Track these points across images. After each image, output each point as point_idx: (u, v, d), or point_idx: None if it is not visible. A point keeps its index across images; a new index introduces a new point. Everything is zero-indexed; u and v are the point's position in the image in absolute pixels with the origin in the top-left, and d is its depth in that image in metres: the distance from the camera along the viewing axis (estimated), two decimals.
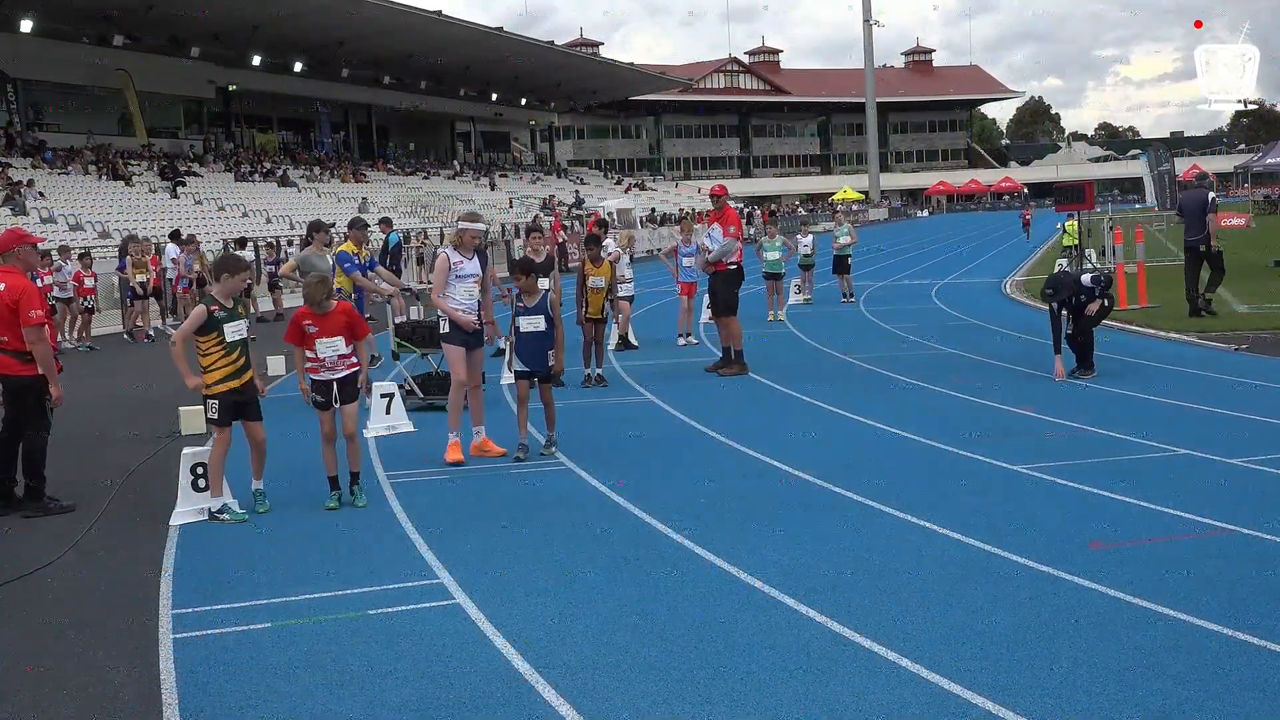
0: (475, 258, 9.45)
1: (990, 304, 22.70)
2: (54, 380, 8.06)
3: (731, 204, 14.88)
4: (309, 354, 7.94)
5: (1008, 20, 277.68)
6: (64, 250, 21.92)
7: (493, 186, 63.23)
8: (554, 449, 9.32)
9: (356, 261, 12.89)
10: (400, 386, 11.43)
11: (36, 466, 8.15)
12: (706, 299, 20.34)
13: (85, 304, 20.66)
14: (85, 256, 21.88)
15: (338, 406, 7.95)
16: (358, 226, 13.52)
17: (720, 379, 13.41)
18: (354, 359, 8.02)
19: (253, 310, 24.86)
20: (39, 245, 9.41)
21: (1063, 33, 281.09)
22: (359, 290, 12.86)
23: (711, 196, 14.28)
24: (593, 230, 16.41)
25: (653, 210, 67.37)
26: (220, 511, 7.63)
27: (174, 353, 7.63)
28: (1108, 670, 4.63)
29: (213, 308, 7.66)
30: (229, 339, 7.63)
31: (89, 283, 20.76)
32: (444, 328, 9.38)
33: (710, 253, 13.75)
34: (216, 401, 7.64)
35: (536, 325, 9.08)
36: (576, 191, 69.08)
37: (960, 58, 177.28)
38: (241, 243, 26.20)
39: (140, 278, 21.80)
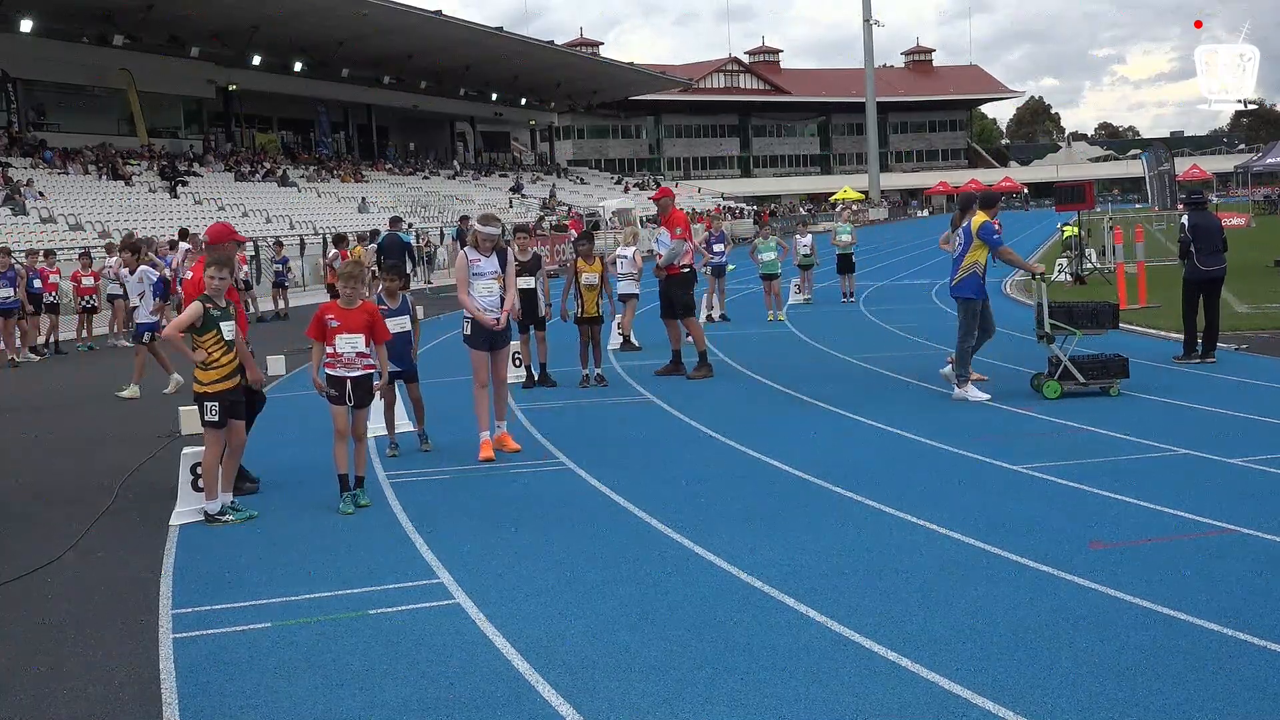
0: (494, 256, 9.63)
1: (990, 304, 22.66)
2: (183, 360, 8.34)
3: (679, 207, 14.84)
4: (328, 349, 7.95)
5: (1003, 20, 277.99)
6: (110, 247, 22.00)
7: (520, 191, 62.95)
8: (429, 444, 9.75)
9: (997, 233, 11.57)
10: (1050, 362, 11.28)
11: None
12: (704, 299, 20.49)
13: (85, 303, 20.68)
14: (84, 256, 21.93)
15: (350, 405, 7.95)
16: (994, 204, 12.23)
17: (718, 379, 13.40)
18: (371, 360, 8.03)
19: (252, 310, 24.90)
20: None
21: (1059, 32, 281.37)
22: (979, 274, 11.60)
23: (654, 200, 14.18)
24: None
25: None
26: (221, 514, 7.59)
27: (173, 339, 7.67)
28: (1108, 670, 4.63)
29: (208, 305, 7.62)
30: (226, 337, 7.62)
31: (87, 282, 20.79)
32: (466, 329, 9.61)
33: (660, 257, 13.70)
34: (217, 403, 7.59)
35: (403, 325, 9.63)
36: (514, 174, 68.31)
37: (956, 57, 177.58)
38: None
39: None
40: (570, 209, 58.79)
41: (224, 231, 8.66)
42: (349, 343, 7.90)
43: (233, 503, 7.74)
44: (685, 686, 4.64)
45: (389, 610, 5.71)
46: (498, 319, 9.49)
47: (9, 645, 5.47)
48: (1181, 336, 13.53)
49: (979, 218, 11.46)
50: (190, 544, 7.10)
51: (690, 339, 13.67)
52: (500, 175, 70.20)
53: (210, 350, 7.58)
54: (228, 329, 7.65)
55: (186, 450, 7.90)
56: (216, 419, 7.59)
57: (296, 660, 5.10)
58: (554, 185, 68.55)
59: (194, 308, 7.66)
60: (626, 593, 5.85)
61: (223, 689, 4.81)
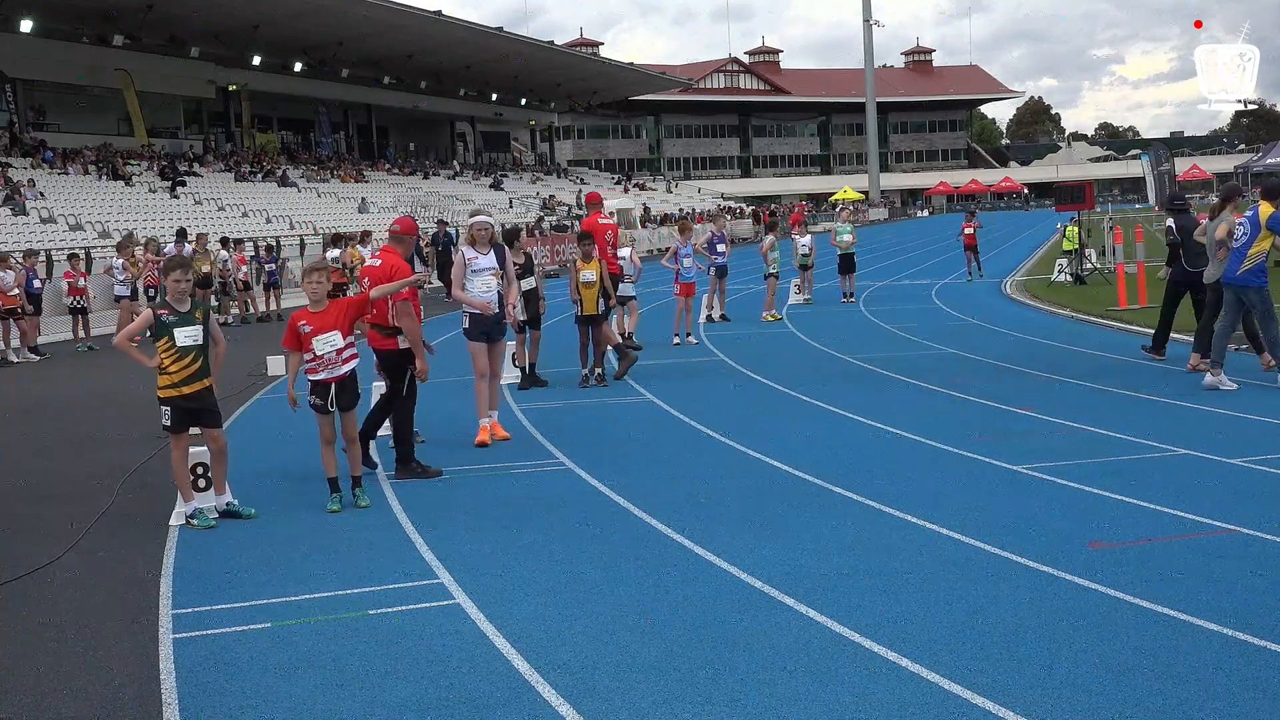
0: (491, 252, 10.01)
1: (990, 304, 22.70)
2: (419, 354, 8.50)
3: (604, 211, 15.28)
4: (307, 355, 7.89)
5: (1002, 20, 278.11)
6: (122, 247, 21.93)
7: (500, 188, 62.98)
8: (421, 438, 9.73)
9: None
10: None
11: (401, 434, 8.75)
12: (705, 299, 20.48)
13: (77, 304, 20.63)
14: (75, 257, 21.95)
15: (335, 410, 7.92)
16: (1278, 194, 11.85)
17: (718, 379, 13.41)
18: (351, 352, 7.94)
19: (252, 311, 24.92)
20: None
21: (1057, 32, 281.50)
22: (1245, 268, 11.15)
23: (586, 204, 14.35)
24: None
25: (648, 210, 67.32)
26: (192, 516, 7.52)
27: (120, 347, 7.65)
28: (1108, 670, 4.63)
29: (161, 312, 7.46)
30: (180, 344, 7.43)
31: (80, 283, 20.76)
32: (465, 323, 10.02)
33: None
34: (168, 408, 7.53)
35: None
36: (512, 173, 68.73)
37: (955, 57, 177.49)
38: (223, 240, 26.11)
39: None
40: (569, 210, 58.76)
41: (410, 227, 9.07)
42: (326, 343, 7.82)
43: (229, 503, 7.74)
44: (685, 686, 4.64)
45: (389, 610, 5.71)
46: (490, 302, 9.78)
47: (9, 645, 5.47)
48: (1183, 337, 13.55)
49: (1266, 208, 11.45)
50: (190, 544, 7.10)
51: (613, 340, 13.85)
52: (500, 175, 70.17)
53: (162, 357, 7.48)
54: (183, 335, 7.42)
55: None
56: (168, 423, 7.55)
57: (296, 660, 5.10)
58: (579, 192, 68.21)
59: (144, 315, 7.55)
60: (627, 593, 5.85)
61: (223, 689, 4.81)
